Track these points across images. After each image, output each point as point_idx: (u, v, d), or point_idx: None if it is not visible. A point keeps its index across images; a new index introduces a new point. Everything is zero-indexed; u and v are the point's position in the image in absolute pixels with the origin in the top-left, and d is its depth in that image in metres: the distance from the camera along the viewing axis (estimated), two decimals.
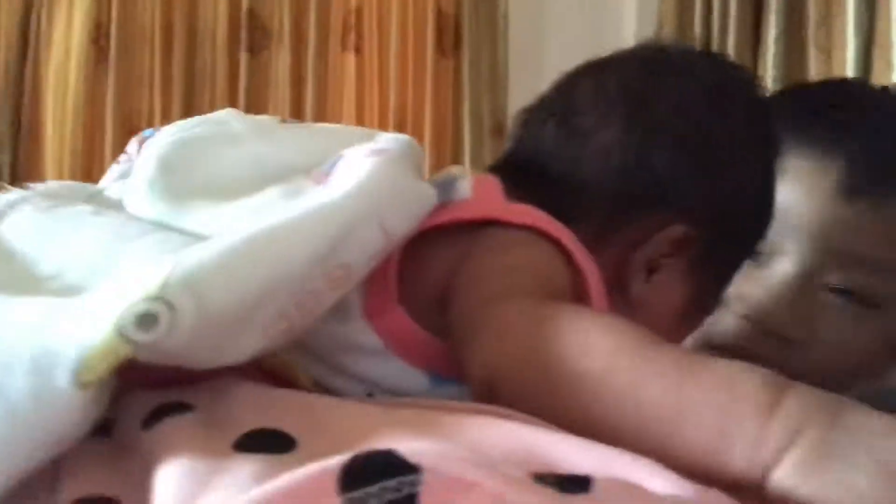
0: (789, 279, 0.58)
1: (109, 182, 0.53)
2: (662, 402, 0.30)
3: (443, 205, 0.41)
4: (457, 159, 2.00)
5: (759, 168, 0.48)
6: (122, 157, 0.55)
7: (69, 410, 0.29)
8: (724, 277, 0.49)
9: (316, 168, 0.42)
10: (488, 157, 1.96)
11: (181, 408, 0.33)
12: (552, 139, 0.47)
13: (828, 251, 0.57)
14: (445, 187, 0.43)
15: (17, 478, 0.30)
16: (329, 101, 2.15)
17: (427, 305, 0.40)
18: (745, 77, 0.50)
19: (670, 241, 0.44)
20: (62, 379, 0.29)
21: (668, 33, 1.65)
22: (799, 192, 0.56)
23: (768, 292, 0.58)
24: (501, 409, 0.32)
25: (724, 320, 0.59)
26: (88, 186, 0.51)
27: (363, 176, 0.37)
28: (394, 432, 0.29)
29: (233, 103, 2.12)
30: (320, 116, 2.13)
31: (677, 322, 0.45)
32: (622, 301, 0.44)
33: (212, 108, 2.37)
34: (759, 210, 0.49)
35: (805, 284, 0.59)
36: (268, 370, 0.38)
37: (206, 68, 2.18)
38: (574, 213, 0.44)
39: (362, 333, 0.39)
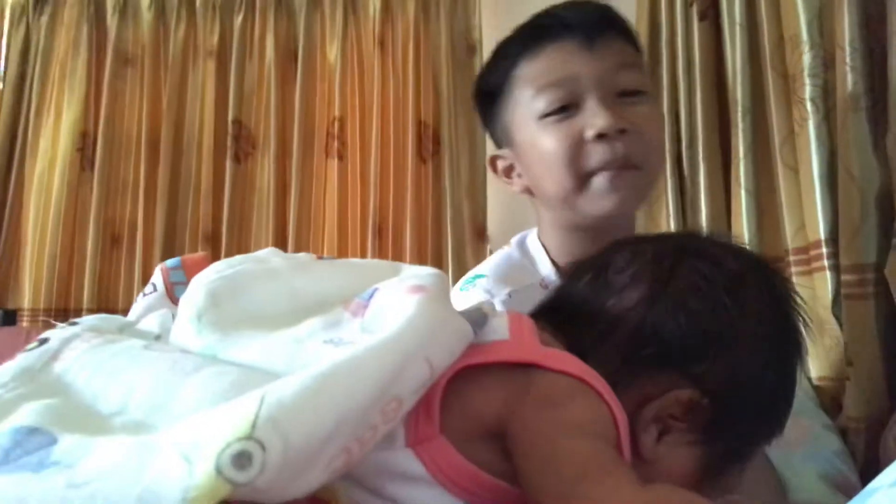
0: (595, 102, 0.80)
1: (138, 314, 0.55)
2: None
3: (480, 343, 0.44)
4: (439, 262, 2.03)
5: (767, 356, 0.51)
6: (148, 289, 0.57)
7: None
8: (738, 455, 0.51)
9: (351, 299, 0.45)
10: (471, 260, 2.00)
11: None
12: (586, 287, 0.53)
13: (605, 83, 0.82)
14: (480, 323, 0.46)
15: None
16: (312, 207, 2.18)
17: (469, 437, 0.42)
18: (766, 272, 0.54)
19: (679, 403, 0.47)
20: None
21: None
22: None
23: (593, 114, 0.80)
24: None
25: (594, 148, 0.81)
26: (119, 318, 0.53)
27: (411, 314, 0.40)
28: None
29: (217, 211, 2.15)
30: (303, 221, 2.16)
31: (691, 486, 0.46)
32: (633, 455, 0.46)
33: (195, 216, 2.37)
34: (771, 395, 0.51)
35: (607, 98, 0.81)
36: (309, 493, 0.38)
37: (190, 176, 2.20)
38: (595, 356, 0.47)
39: (406, 461, 0.41)
